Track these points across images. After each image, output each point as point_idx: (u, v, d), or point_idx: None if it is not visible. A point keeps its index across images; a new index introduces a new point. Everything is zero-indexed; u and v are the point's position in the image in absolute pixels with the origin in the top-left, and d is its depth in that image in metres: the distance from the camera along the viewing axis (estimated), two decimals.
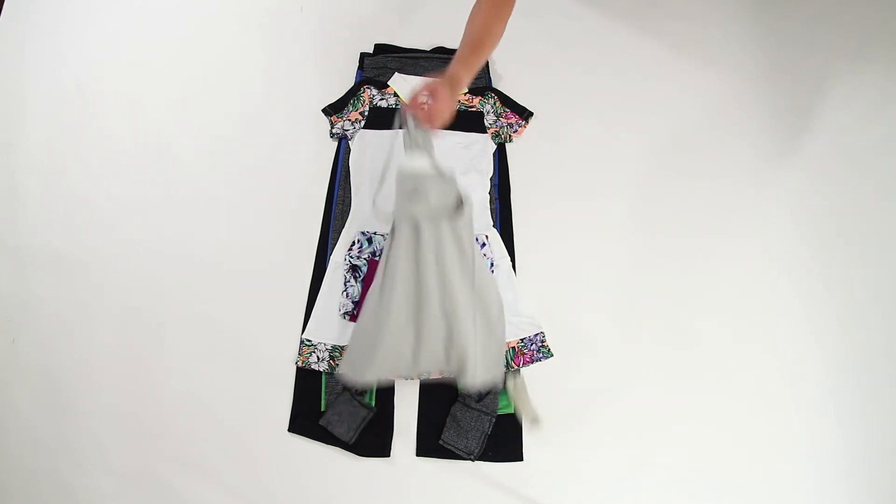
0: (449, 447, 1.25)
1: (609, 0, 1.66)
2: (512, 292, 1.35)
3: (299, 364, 1.30)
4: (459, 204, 1.08)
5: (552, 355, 1.31)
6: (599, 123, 1.53)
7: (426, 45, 1.61)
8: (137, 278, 1.42)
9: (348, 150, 1.49)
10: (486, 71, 1.56)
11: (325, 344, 1.31)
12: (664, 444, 1.27)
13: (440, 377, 1.31)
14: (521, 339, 1.32)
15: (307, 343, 1.31)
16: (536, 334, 1.32)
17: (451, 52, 1.59)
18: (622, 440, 1.27)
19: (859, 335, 1.34)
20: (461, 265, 1.06)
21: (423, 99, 1.09)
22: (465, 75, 1.14)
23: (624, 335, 1.35)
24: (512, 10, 1.21)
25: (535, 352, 1.31)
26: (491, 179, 1.45)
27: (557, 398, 1.30)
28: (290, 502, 1.25)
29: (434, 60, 1.58)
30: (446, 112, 1.09)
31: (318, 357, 1.30)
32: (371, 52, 1.61)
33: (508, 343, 1.31)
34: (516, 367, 1.30)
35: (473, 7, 1.23)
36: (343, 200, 1.45)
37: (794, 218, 1.43)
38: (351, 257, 1.36)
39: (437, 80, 1.10)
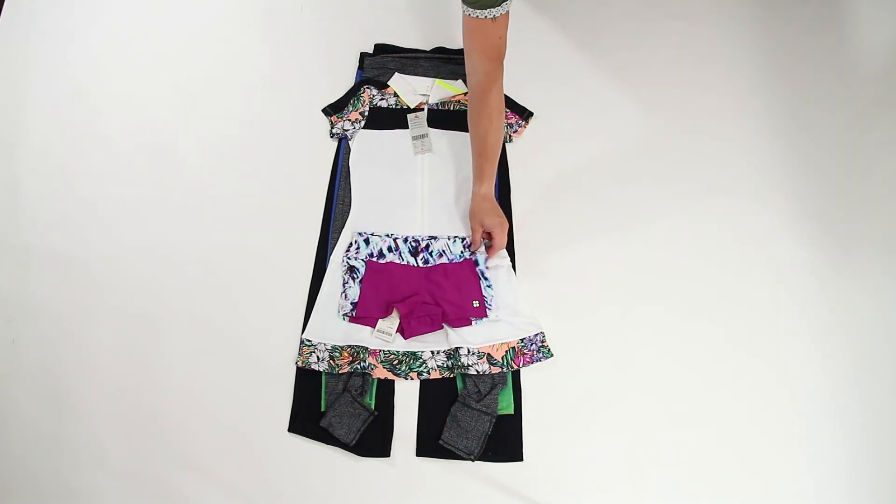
0: (449, 447, 1.25)
1: (610, 0, 1.66)
2: (512, 292, 1.35)
3: (299, 364, 1.30)
4: None
5: (552, 355, 1.31)
6: (600, 123, 1.53)
7: (426, 45, 1.61)
8: (137, 278, 1.42)
9: (348, 150, 1.49)
10: None
11: (325, 344, 1.31)
12: (664, 445, 1.27)
13: (439, 377, 1.31)
14: (521, 340, 1.32)
15: (307, 343, 1.31)
16: (536, 334, 1.32)
17: (451, 52, 1.59)
18: (622, 440, 1.27)
19: (859, 336, 1.34)
20: None
21: (481, 240, 1.34)
22: (490, 185, 1.33)
23: (624, 335, 1.35)
24: (503, 99, 1.33)
25: (535, 352, 1.31)
26: None
27: (557, 398, 1.30)
28: (290, 502, 1.25)
29: (434, 60, 1.58)
30: (505, 233, 1.32)
31: (318, 357, 1.30)
32: (371, 52, 1.61)
33: (508, 343, 1.31)
34: (516, 368, 1.30)
35: (468, 111, 1.34)
36: (343, 200, 1.45)
37: (795, 218, 1.43)
38: (349, 258, 1.37)
39: (479, 213, 1.32)
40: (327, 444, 1.27)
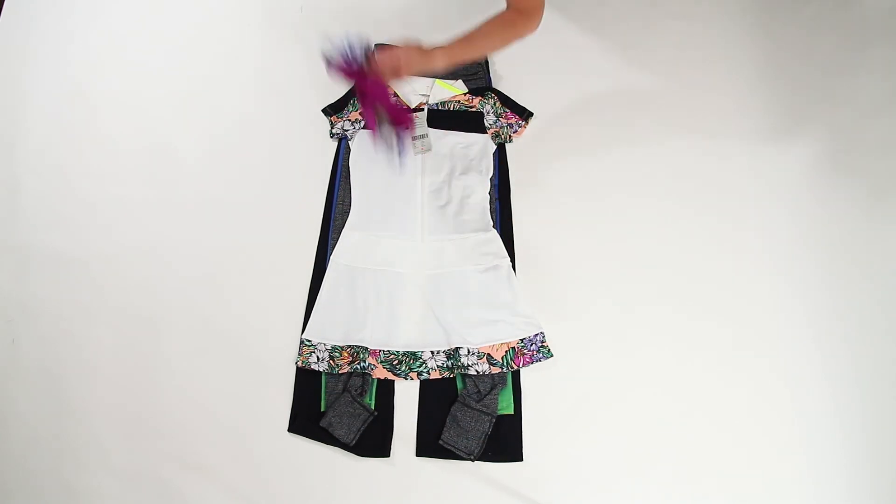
0: (449, 447, 1.25)
1: (610, 0, 1.66)
2: (512, 292, 1.35)
3: (299, 364, 1.31)
4: None
5: (552, 355, 1.31)
6: (599, 123, 1.53)
7: (426, 45, 1.61)
8: (137, 278, 1.42)
9: (348, 150, 1.49)
10: (486, 71, 1.56)
11: (324, 344, 1.31)
12: (664, 445, 1.27)
13: (439, 377, 1.31)
14: (521, 340, 1.32)
15: (307, 343, 1.31)
16: (536, 334, 1.32)
17: None
18: (622, 440, 1.27)
19: (859, 336, 1.34)
20: None
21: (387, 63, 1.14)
22: (441, 59, 1.18)
23: (624, 335, 1.35)
24: (517, 35, 1.26)
25: (535, 352, 1.31)
26: (491, 180, 1.45)
27: (557, 398, 1.30)
28: (290, 502, 1.25)
29: None
30: (399, 62, 1.13)
31: (318, 357, 1.30)
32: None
33: (508, 343, 1.31)
34: (516, 368, 1.30)
35: (495, 15, 1.26)
36: (343, 200, 1.45)
37: (794, 217, 1.43)
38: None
39: (410, 47, 1.16)
40: (327, 444, 1.27)
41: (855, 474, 1.24)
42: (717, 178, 1.47)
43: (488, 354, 1.29)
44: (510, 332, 1.32)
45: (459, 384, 1.32)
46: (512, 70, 1.59)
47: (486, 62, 1.57)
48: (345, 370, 1.29)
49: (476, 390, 1.29)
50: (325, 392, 1.31)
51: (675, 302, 1.37)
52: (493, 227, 1.41)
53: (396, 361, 1.31)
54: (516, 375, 1.32)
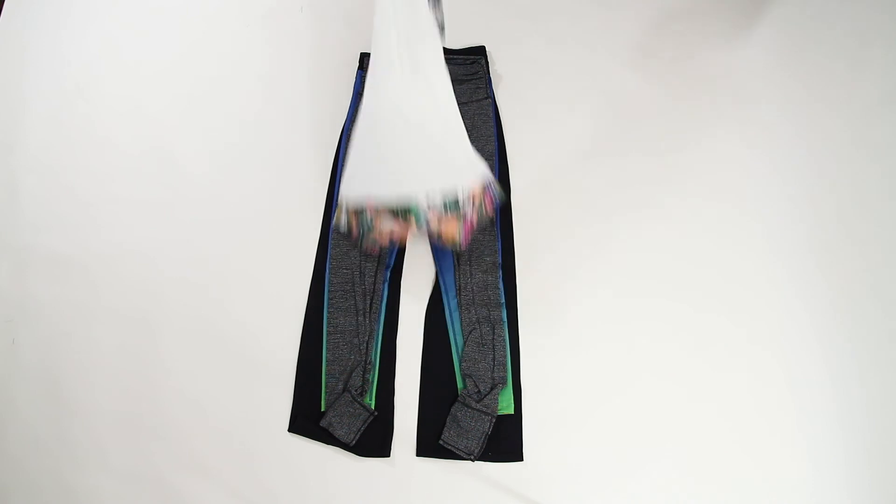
0: (449, 447, 1.25)
1: (610, 0, 1.66)
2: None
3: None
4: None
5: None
6: (600, 123, 1.53)
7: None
8: (137, 279, 1.42)
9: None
10: (486, 70, 1.56)
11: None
12: (664, 444, 1.27)
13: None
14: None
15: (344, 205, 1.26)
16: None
17: (452, 52, 1.59)
18: (622, 440, 1.27)
19: (860, 335, 1.34)
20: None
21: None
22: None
23: (624, 335, 1.35)
24: None
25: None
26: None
27: (557, 398, 1.30)
28: (290, 502, 1.25)
29: None
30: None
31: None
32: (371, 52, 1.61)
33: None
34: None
35: None
36: None
37: (795, 217, 1.43)
38: None
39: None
40: (327, 444, 1.28)
41: (855, 473, 1.24)
42: (720, 176, 1.47)
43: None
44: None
45: (459, 384, 1.32)
46: (511, 69, 1.59)
47: (486, 63, 1.57)
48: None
49: (476, 390, 1.29)
50: (325, 392, 1.31)
51: (675, 302, 1.37)
52: (494, 227, 1.40)
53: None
54: (516, 375, 1.32)
